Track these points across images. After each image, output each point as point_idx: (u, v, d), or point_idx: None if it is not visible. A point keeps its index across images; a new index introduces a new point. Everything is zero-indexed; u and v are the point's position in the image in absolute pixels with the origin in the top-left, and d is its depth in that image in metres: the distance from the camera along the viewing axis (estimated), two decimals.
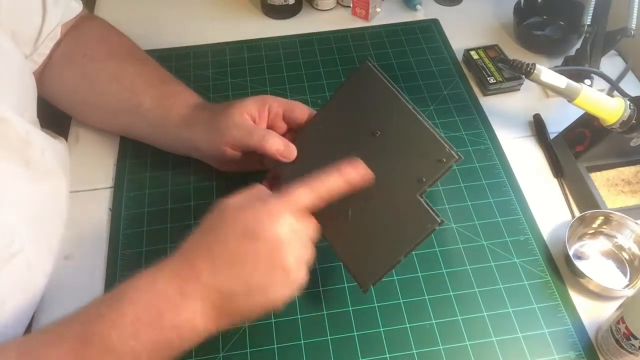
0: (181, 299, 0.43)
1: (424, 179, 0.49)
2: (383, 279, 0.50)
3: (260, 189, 0.48)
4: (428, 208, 0.48)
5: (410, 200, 0.49)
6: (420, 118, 0.50)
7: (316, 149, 0.55)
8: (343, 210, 0.51)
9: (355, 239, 0.51)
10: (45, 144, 0.59)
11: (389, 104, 0.52)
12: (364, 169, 0.49)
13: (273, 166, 0.56)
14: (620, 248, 0.60)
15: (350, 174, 0.48)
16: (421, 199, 0.49)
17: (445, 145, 0.48)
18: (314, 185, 0.47)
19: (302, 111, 0.57)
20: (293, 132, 0.58)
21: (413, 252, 0.59)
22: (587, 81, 0.72)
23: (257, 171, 0.64)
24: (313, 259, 0.48)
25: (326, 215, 0.52)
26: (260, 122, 0.58)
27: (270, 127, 0.58)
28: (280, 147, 0.54)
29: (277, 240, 0.44)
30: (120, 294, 0.43)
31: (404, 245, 0.49)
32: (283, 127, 0.58)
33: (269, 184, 0.58)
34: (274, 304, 0.46)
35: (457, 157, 0.48)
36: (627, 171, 0.65)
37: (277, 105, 0.58)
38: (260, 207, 0.45)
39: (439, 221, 0.47)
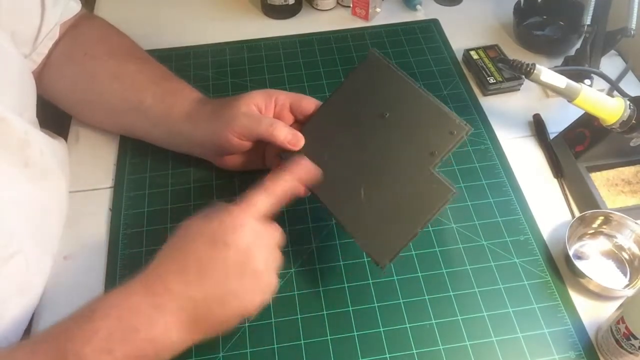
0: (155, 313, 0.44)
1: (436, 152, 0.50)
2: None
3: (220, 204, 0.49)
4: (441, 179, 0.49)
5: (424, 174, 0.50)
6: (427, 95, 0.52)
7: (324, 136, 0.55)
8: (355, 191, 0.52)
9: (369, 217, 0.51)
10: (45, 144, 0.59)
11: (395, 86, 0.53)
12: (309, 164, 0.52)
13: (280, 156, 0.57)
14: (620, 248, 0.60)
15: (297, 170, 0.51)
16: (434, 171, 0.50)
17: (455, 118, 0.50)
18: (268, 188, 0.49)
19: (309, 102, 0.57)
20: (300, 124, 0.58)
21: (413, 252, 0.59)
22: (587, 81, 0.72)
23: (258, 171, 0.64)
24: (282, 264, 0.49)
25: (337, 199, 0.52)
26: (267, 113, 0.58)
27: (276, 118, 0.58)
28: (289, 136, 0.55)
29: (244, 246, 0.45)
30: (93, 309, 0.43)
31: (420, 218, 0.50)
32: (290, 118, 0.59)
33: None
34: (247, 310, 0.46)
35: (467, 128, 0.50)
36: (627, 171, 0.65)
37: (283, 97, 0.58)
38: (224, 216, 0.46)
39: (454, 191, 0.49)
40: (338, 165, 0.53)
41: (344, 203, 0.52)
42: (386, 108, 0.53)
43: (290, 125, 0.58)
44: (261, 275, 0.46)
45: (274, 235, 0.49)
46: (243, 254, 0.45)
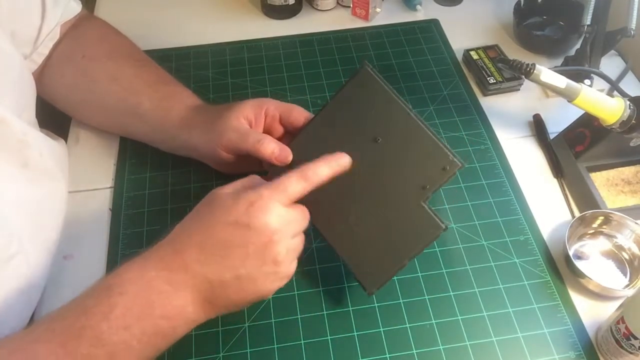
0: (171, 289, 0.43)
1: (428, 186, 0.50)
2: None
3: (253, 179, 0.48)
4: (432, 214, 0.49)
5: (414, 207, 0.50)
6: (423, 126, 0.51)
7: (314, 153, 0.54)
8: (345, 214, 0.51)
9: (360, 243, 0.51)
10: (44, 145, 0.59)
11: (389, 111, 0.52)
12: (347, 158, 0.51)
13: (269, 170, 0.56)
14: (620, 248, 0.60)
15: (334, 161, 0.50)
16: (425, 205, 0.50)
17: (449, 153, 0.50)
18: (303, 174, 0.47)
19: (299, 114, 0.57)
20: (290, 136, 0.58)
21: None
22: (587, 81, 0.72)
23: (256, 172, 0.64)
24: (303, 248, 0.49)
25: (328, 221, 0.52)
26: (257, 125, 0.58)
27: (267, 130, 0.58)
28: (276, 151, 0.54)
29: (267, 231, 0.44)
30: (109, 284, 0.43)
31: (408, 250, 0.50)
32: (280, 130, 0.58)
33: None
34: (263, 294, 0.47)
35: (460, 164, 0.49)
36: (627, 171, 0.65)
37: (273, 108, 0.58)
38: (251, 196, 0.45)
39: (443, 227, 0.49)
40: (328, 186, 0.52)
41: (333, 225, 0.52)
42: (379, 132, 0.52)
43: (281, 137, 0.58)
44: (281, 263, 0.45)
45: (299, 221, 0.48)
46: (265, 240, 0.44)
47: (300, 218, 0.48)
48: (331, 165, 0.49)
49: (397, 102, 0.52)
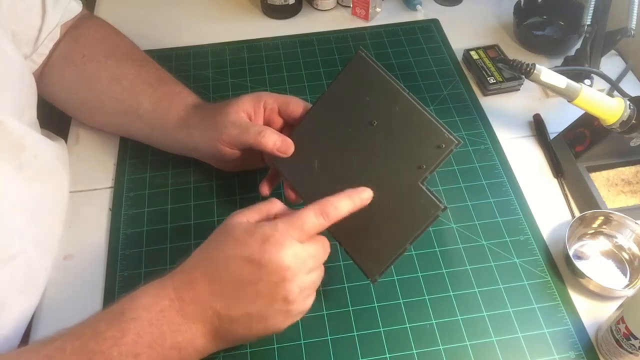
0: (183, 321, 0.43)
1: (424, 166, 0.49)
2: (387, 272, 0.50)
3: (273, 206, 0.48)
4: (430, 194, 0.49)
5: (412, 188, 0.49)
6: (417, 104, 0.50)
7: (314, 143, 0.55)
8: None
9: (359, 230, 0.51)
10: (42, 146, 0.58)
11: (384, 93, 0.52)
12: (369, 192, 0.49)
13: (272, 162, 0.56)
14: (620, 248, 0.60)
15: (355, 196, 0.48)
16: (422, 186, 0.49)
17: (444, 130, 0.49)
18: (322, 209, 0.46)
19: (297, 105, 0.57)
20: (290, 127, 0.58)
21: (413, 252, 0.59)
22: (587, 81, 0.72)
23: (258, 170, 0.64)
24: (321, 281, 0.47)
25: None
26: (257, 119, 0.58)
27: (266, 123, 0.58)
28: (278, 142, 0.54)
29: (280, 269, 0.43)
30: (122, 309, 0.43)
31: (409, 233, 0.49)
32: (279, 122, 0.58)
33: (269, 182, 0.58)
34: (272, 331, 0.46)
35: (456, 141, 0.48)
36: (627, 171, 0.65)
37: (272, 100, 0.58)
38: (267, 230, 0.44)
39: (442, 207, 0.48)
40: (328, 174, 0.52)
41: None
42: (374, 115, 0.52)
43: (281, 129, 0.58)
44: (293, 301, 0.44)
45: (317, 256, 0.46)
46: (277, 279, 0.43)
47: (318, 252, 0.46)
48: (353, 200, 0.48)
49: (391, 83, 0.52)
